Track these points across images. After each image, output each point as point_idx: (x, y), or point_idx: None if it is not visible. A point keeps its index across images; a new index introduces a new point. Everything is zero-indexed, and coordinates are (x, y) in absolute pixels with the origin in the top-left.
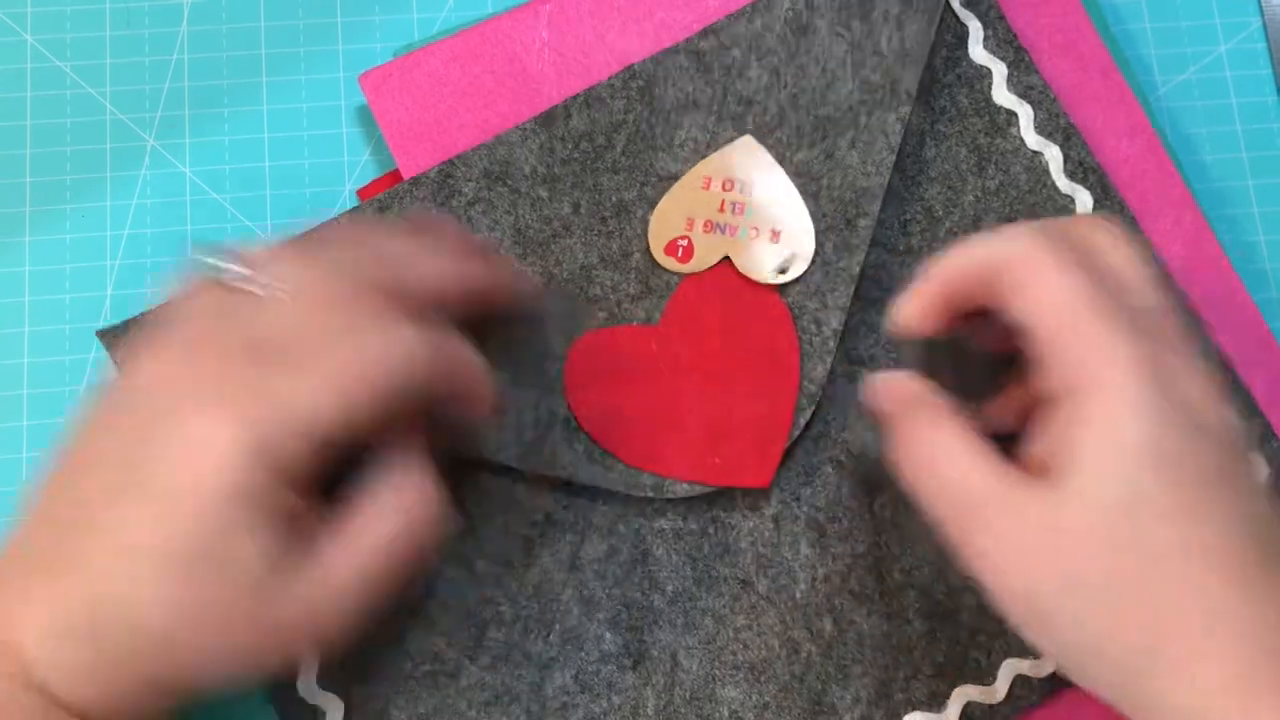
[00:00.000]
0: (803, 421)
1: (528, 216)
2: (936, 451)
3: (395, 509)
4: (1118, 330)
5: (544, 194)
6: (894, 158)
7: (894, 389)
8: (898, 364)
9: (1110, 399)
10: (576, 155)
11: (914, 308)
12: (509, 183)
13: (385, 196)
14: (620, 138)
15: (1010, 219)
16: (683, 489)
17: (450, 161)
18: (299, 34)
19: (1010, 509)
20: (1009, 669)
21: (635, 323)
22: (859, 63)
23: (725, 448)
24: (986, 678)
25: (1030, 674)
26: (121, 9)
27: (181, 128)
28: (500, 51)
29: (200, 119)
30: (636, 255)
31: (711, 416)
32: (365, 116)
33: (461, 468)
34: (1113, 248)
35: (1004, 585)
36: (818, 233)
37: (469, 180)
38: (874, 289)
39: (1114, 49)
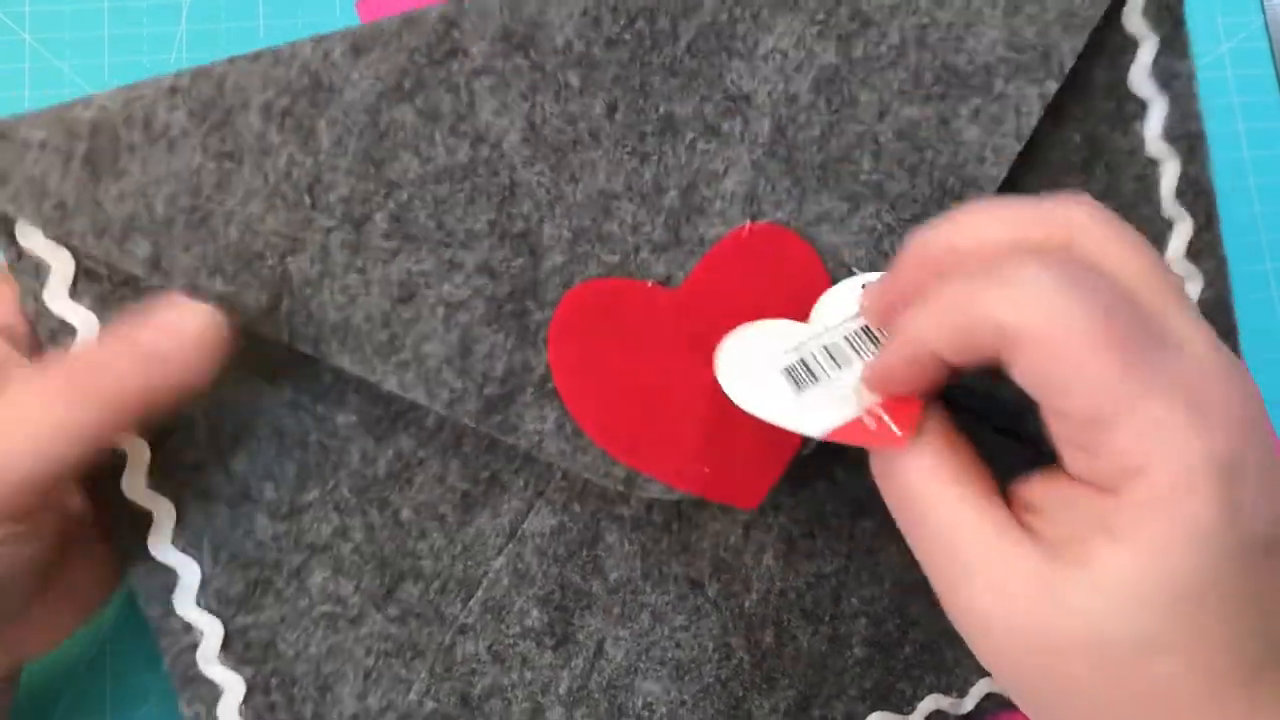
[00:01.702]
0: (814, 444)
1: (548, 108)
2: (936, 494)
3: None
4: (1168, 404)
5: (574, 81)
6: (1020, 147)
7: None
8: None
9: (1160, 517)
10: (628, 38)
11: (877, 301)
12: (532, 55)
13: (365, 35)
14: (689, 27)
15: None
16: (657, 489)
17: (459, 2)
18: (299, 34)
19: (1015, 577)
20: (930, 703)
21: (652, 279)
22: (1014, 8)
23: (720, 458)
24: (906, 707)
25: (949, 710)
26: (120, 8)
27: None
28: None
29: None
30: (672, 193)
31: (715, 417)
32: None
33: (400, 406)
34: (1114, 245)
35: (989, 648)
36: (899, 222)
37: (480, 38)
38: None
39: None
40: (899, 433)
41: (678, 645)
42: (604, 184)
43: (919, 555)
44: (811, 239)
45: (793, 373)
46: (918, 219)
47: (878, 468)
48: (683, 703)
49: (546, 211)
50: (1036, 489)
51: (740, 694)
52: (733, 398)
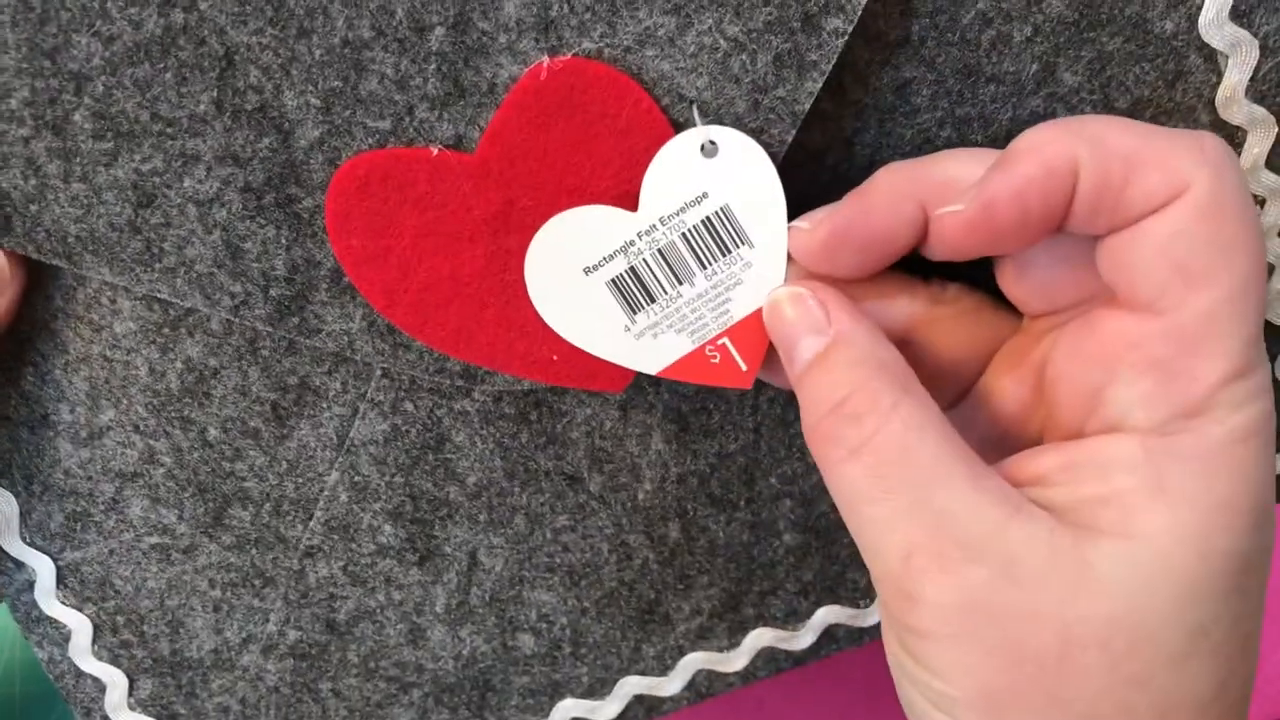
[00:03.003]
0: None
1: None
2: (926, 456)
3: None
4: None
5: None
6: None
7: (848, 351)
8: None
9: (1240, 462)
10: None
11: (968, 217)
12: None
13: None
14: None
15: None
16: (502, 381)
17: None
18: None
19: (1025, 552)
20: None
21: (437, 145)
22: None
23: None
24: (861, 600)
25: None
26: None
27: None
28: None
29: None
30: (438, 30)
31: None
32: None
33: (178, 310)
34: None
35: (969, 639)
36: (748, 34)
37: None
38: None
39: None
40: (744, 367)
41: (565, 549)
42: (345, 32)
43: (876, 531)
44: (635, 70)
45: (622, 287)
46: (773, 27)
47: (823, 426)
48: (584, 610)
49: (280, 78)
50: (1037, 459)
51: (652, 596)
52: (549, 322)
